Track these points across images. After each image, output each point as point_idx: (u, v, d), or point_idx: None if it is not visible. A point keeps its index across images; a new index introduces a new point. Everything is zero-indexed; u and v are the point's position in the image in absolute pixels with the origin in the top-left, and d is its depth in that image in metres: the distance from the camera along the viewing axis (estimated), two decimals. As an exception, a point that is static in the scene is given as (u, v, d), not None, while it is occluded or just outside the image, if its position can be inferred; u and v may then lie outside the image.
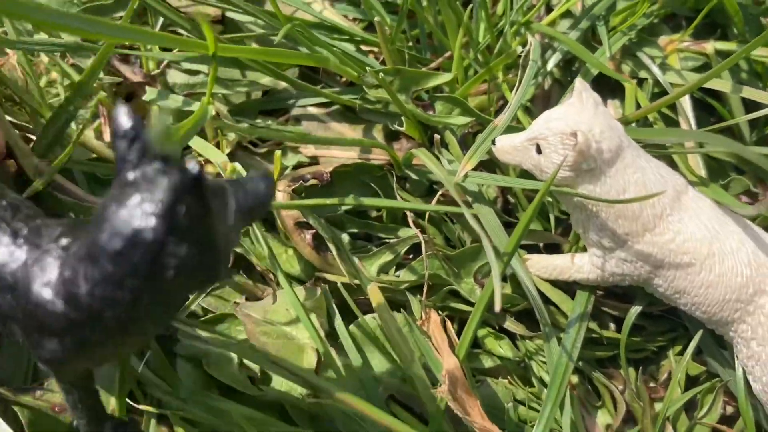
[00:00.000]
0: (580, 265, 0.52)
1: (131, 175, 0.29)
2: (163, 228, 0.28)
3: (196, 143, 0.56)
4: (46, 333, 0.32)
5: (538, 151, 0.48)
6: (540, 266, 0.54)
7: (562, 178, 0.47)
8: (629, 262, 0.49)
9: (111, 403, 0.48)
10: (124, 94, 0.65)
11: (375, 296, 0.49)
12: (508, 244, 0.48)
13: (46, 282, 0.32)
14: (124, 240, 0.28)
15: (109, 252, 0.28)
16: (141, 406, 0.49)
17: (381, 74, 0.54)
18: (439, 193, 0.54)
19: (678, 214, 0.48)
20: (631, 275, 0.50)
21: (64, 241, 0.33)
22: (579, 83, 0.49)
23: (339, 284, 0.52)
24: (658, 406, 0.53)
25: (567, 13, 0.62)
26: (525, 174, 0.56)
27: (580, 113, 0.47)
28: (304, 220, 0.54)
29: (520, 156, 0.50)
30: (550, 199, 0.57)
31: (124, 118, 0.29)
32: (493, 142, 0.51)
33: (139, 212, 0.28)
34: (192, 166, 0.28)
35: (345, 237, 0.55)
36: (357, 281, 0.52)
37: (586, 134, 0.45)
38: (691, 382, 0.55)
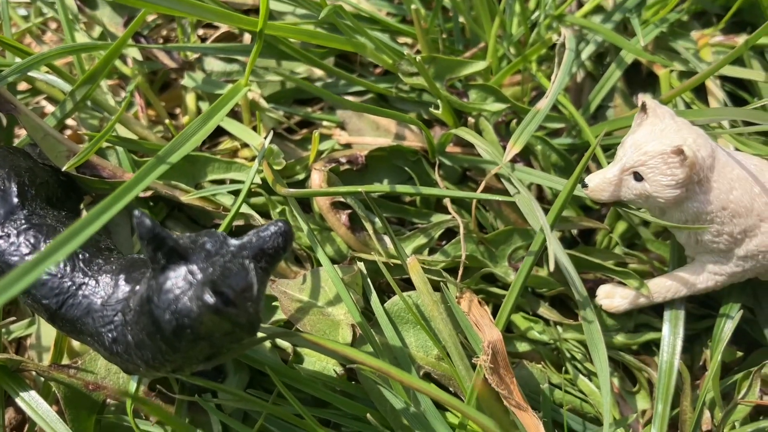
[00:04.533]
0: (696, 276, 0.51)
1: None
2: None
3: (233, 127, 0.57)
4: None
5: (638, 179, 0.47)
6: (655, 289, 0.52)
7: (673, 198, 0.46)
8: (750, 257, 0.48)
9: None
10: (160, 83, 0.66)
11: (414, 269, 0.49)
12: (548, 216, 0.48)
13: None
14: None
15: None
16: (178, 396, 0.49)
17: (418, 59, 0.55)
18: (485, 180, 0.54)
19: None
20: (753, 269, 0.49)
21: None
22: (650, 101, 0.47)
23: (379, 262, 0.51)
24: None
25: (597, 9, 0.63)
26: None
27: (667, 130, 0.46)
28: (340, 199, 0.54)
29: (619, 189, 0.48)
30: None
31: (145, 224, 0.34)
32: (584, 185, 0.49)
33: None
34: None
35: (378, 221, 0.56)
36: (394, 261, 0.53)
37: (691, 147, 0.44)
38: (726, 369, 0.54)
